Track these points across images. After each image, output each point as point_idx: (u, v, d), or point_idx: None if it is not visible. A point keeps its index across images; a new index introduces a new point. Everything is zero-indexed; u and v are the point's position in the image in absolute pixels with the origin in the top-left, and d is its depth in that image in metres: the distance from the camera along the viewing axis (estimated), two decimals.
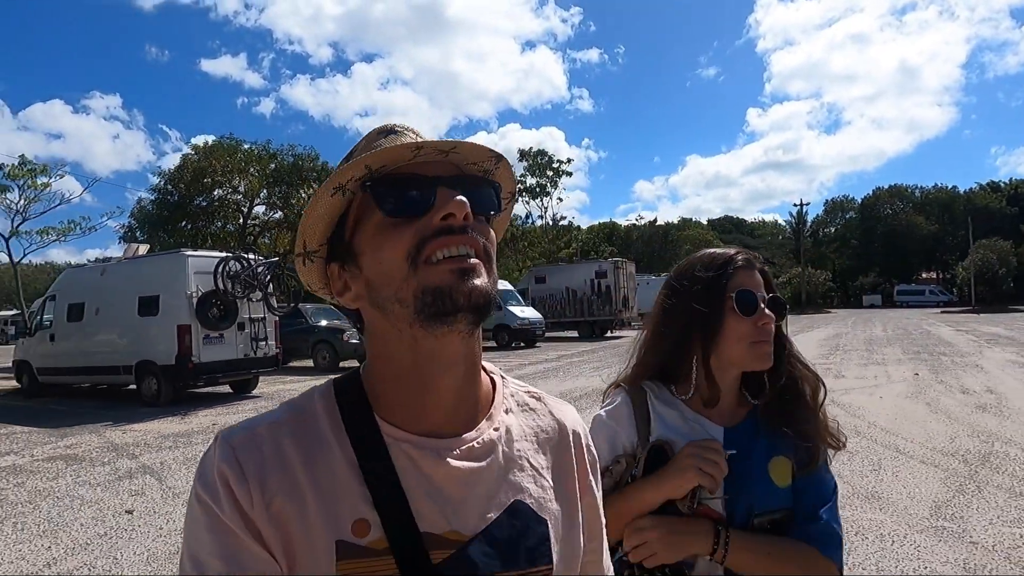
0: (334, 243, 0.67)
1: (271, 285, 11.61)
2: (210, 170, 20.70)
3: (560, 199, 44.85)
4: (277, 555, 0.60)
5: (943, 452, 5.85)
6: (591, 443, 0.80)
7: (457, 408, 0.66)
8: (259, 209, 23.96)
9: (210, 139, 21.50)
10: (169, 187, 21.66)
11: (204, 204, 21.92)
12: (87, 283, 11.80)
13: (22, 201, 16.43)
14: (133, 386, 11.28)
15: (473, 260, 0.61)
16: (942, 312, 40.82)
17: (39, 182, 16.33)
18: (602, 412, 1.22)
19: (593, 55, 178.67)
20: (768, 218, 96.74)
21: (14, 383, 13.47)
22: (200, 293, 10.43)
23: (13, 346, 14.26)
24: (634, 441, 1.17)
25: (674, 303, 1.21)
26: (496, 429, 0.69)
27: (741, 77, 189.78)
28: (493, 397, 0.72)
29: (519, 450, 0.70)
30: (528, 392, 0.77)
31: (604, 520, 0.80)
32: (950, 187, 76.50)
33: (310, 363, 15.57)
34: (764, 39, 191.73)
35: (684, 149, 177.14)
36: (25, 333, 12.62)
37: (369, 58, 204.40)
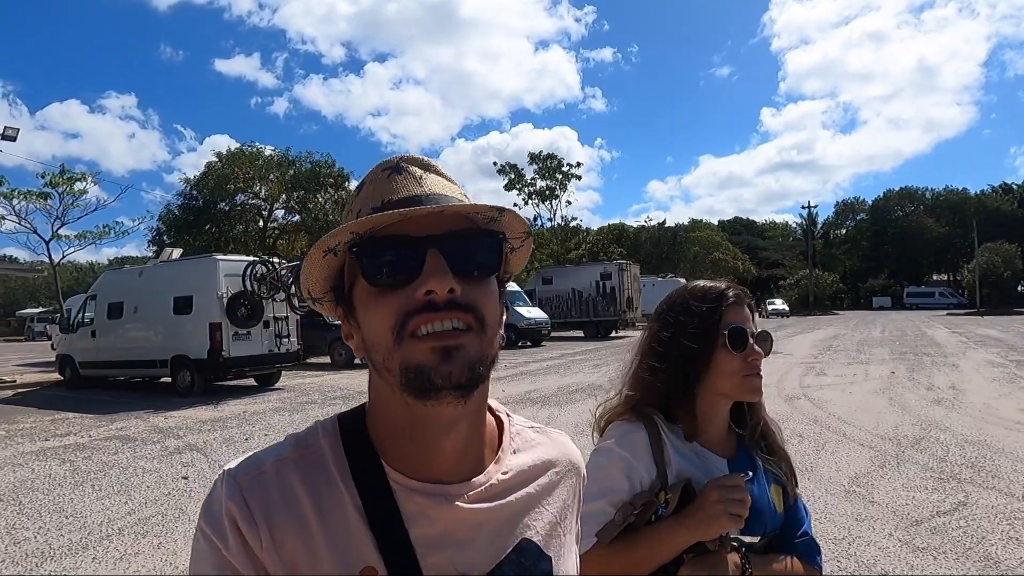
0: (339, 289, 0.67)
1: (293, 287, 12.61)
2: (233, 176, 21.94)
3: (569, 202, 45.60)
4: None
5: (882, 437, 6.71)
6: (585, 473, 0.81)
7: (464, 455, 0.66)
8: (279, 213, 25.25)
9: (233, 146, 22.83)
10: (194, 192, 22.98)
11: (227, 208, 23.16)
12: (126, 284, 12.89)
13: (61, 207, 17.68)
14: (167, 379, 12.33)
15: (458, 337, 0.59)
16: (947, 315, 41.22)
17: (76, 188, 17.56)
18: (613, 443, 1.20)
19: (607, 54, 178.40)
20: (780, 219, 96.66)
21: (56, 376, 14.58)
22: (230, 294, 11.45)
23: (38, 343, 15.34)
24: (653, 474, 1.15)
25: (669, 336, 1.23)
26: (504, 472, 0.69)
27: (755, 76, 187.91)
28: (500, 439, 0.72)
29: (526, 489, 0.70)
30: (532, 427, 0.78)
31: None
32: (961, 189, 76.39)
33: (327, 360, 16.59)
34: (779, 38, 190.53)
35: (697, 149, 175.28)
36: (68, 329, 13.70)
37: (382, 57, 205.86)
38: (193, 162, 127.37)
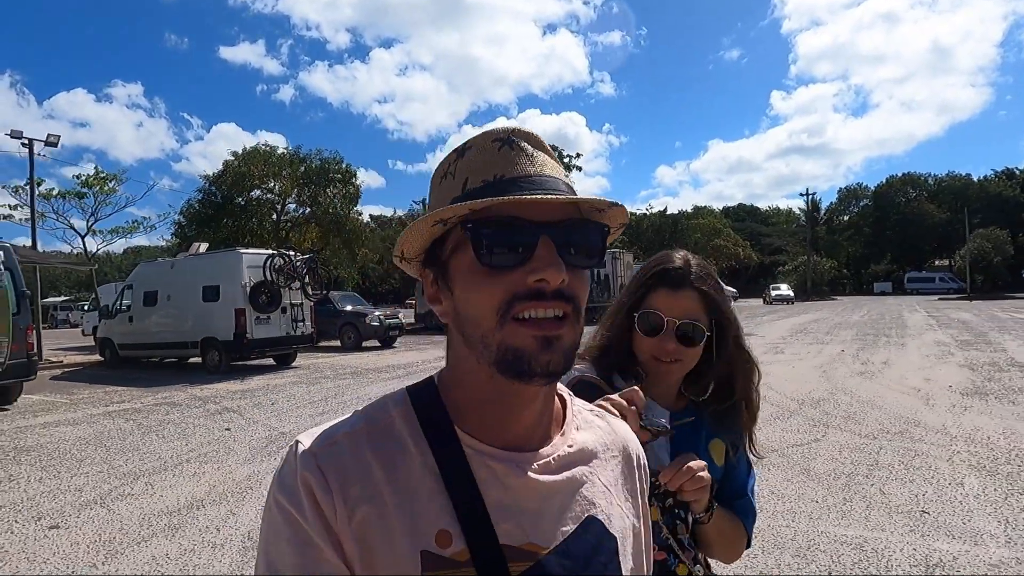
0: (431, 253, 0.67)
1: (307, 276, 14.15)
2: (248, 174, 23.57)
3: None
4: (357, 567, 0.60)
5: (792, 398, 8.18)
6: (645, 461, 0.81)
7: (536, 426, 0.68)
8: (291, 207, 26.88)
9: (240, 134, 24.70)
10: (213, 188, 24.64)
11: (243, 203, 24.82)
12: (159, 274, 14.49)
13: (95, 204, 19.33)
14: (196, 359, 13.93)
15: (559, 327, 0.60)
16: (939, 299, 42.37)
17: (107, 188, 19.20)
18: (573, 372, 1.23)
19: (615, 38, 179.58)
20: (787, 205, 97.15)
21: (96, 357, 16.25)
22: (252, 283, 12.99)
23: (62, 330, 16.85)
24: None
25: (620, 299, 1.31)
26: (570, 445, 0.70)
27: (765, 59, 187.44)
28: (564, 414, 0.74)
29: (590, 466, 0.71)
30: (591, 411, 0.79)
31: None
32: (964, 174, 76.92)
33: (337, 343, 18.18)
34: (789, 20, 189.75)
35: (706, 134, 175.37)
36: (108, 315, 15.33)
37: (387, 43, 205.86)
38: (200, 150, 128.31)
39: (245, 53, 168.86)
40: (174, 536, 4.16)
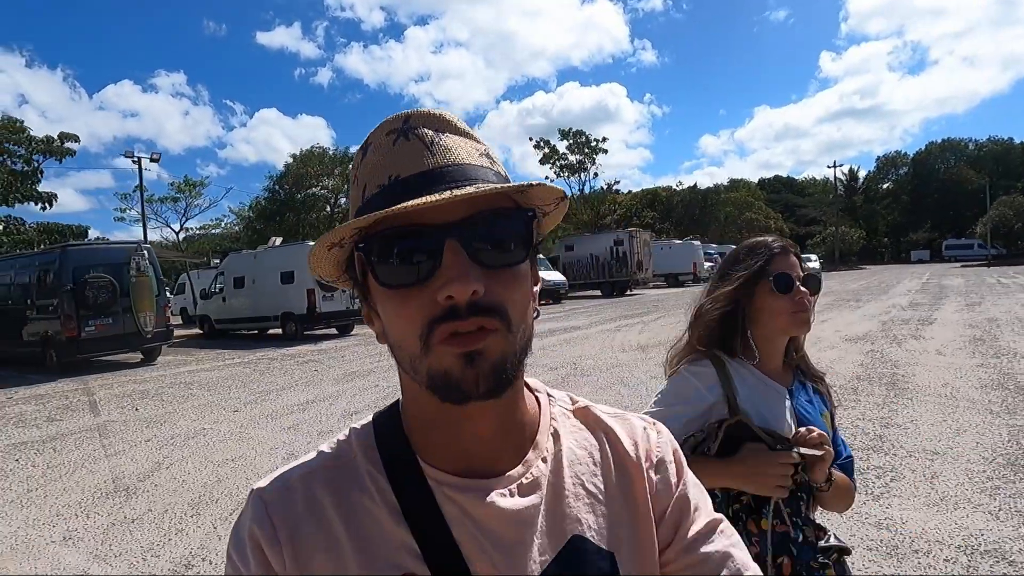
0: (352, 274, 0.62)
1: None
2: (306, 174, 27.31)
3: (597, 174, 49.33)
4: None
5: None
6: (662, 440, 0.71)
7: (502, 443, 0.62)
8: (342, 201, 30.53)
9: (304, 148, 28.22)
10: (276, 187, 28.54)
11: (302, 200, 28.62)
12: (245, 263, 18.17)
13: (186, 206, 23.38)
14: (276, 330, 17.56)
15: (481, 339, 0.54)
16: (961, 266, 43.46)
17: (195, 192, 23.18)
18: (684, 371, 1.41)
19: (656, 2, 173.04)
20: (822, 175, 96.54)
21: (197, 330, 20.16)
22: None
23: None
24: (721, 400, 1.35)
25: (725, 286, 1.45)
26: (544, 460, 0.64)
27: (814, 19, 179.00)
28: (539, 421, 0.66)
29: (573, 476, 0.64)
30: (574, 406, 0.71)
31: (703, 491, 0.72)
32: (1006, 139, 75.68)
33: None
34: None
35: (751, 100, 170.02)
36: (205, 297, 19.13)
37: (422, 20, 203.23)
38: (244, 136, 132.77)
39: (281, 37, 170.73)
40: (304, 413, 7.51)
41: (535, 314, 0.61)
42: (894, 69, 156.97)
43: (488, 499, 0.59)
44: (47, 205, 21.50)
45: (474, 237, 0.55)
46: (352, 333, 17.78)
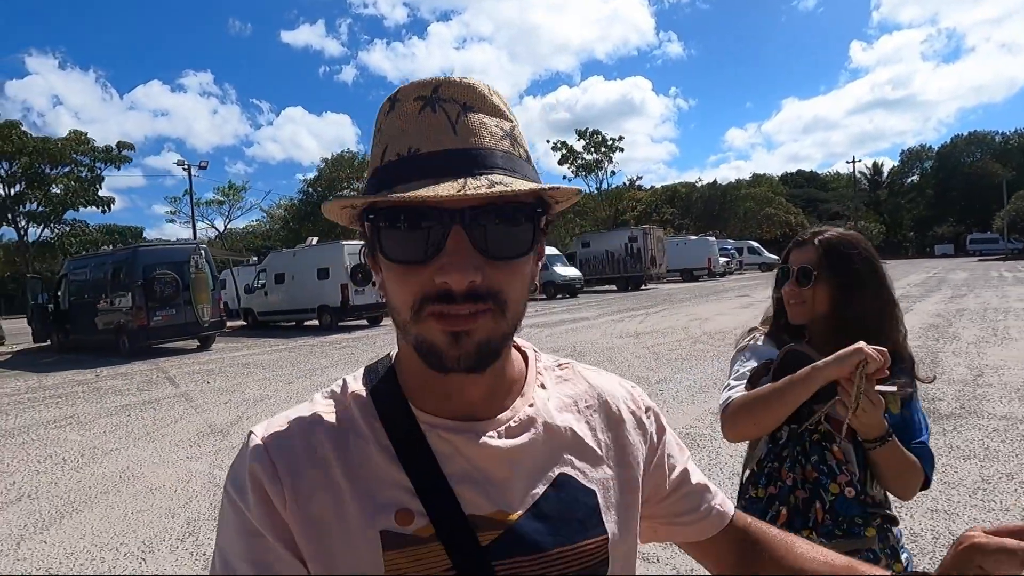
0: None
1: None
2: (337, 177, 29.32)
3: (613, 172, 50.49)
4: (313, 553, 0.59)
5: (709, 334, 12.53)
6: (641, 397, 0.79)
7: (491, 393, 0.66)
8: None
9: (335, 152, 30.29)
10: (310, 190, 30.63)
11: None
12: (285, 260, 20.07)
13: (230, 209, 25.53)
14: (312, 322, 19.37)
15: (472, 320, 0.56)
16: (979, 260, 43.80)
17: (238, 195, 25.31)
18: (746, 343, 1.56)
19: None
20: (846, 170, 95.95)
21: (241, 322, 22.13)
22: (351, 265, 18.21)
23: None
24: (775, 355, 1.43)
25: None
26: (531, 405, 0.68)
27: (843, 7, 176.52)
28: (526, 373, 0.71)
29: (559, 422, 0.69)
30: (559, 364, 0.77)
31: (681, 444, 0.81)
32: None
33: None
34: None
35: (779, 92, 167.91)
36: (249, 291, 21.07)
37: (445, 16, 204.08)
38: (271, 135, 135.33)
39: (306, 35, 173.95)
40: None
41: (534, 289, 0.64)
42: (928, 58, 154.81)
43: (480, 440, 0.63)
44: (106, 208, 23.72)
45: (481, 226, 0.56)
46: (382, 324, 19.52)
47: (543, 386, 0.72)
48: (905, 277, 27.91)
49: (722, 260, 38.64)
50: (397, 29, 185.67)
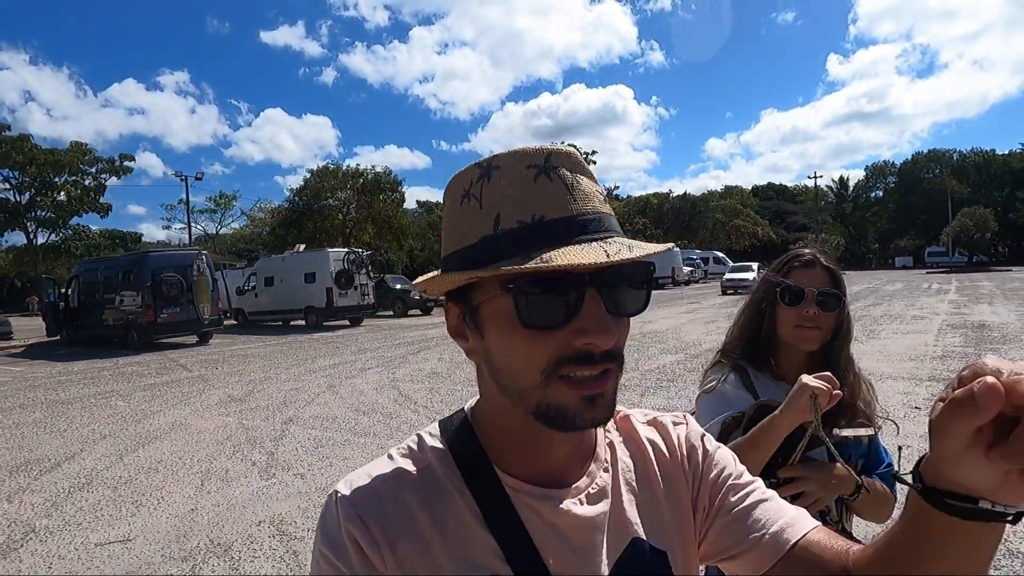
0: (459, 296, 0.64)
1: (369, 265, 21.25)
2: (322, 187, 31.24)
3: None
4: None
5: (678, 340, 14.68)
6: (691, 431, 0.78)
7: (575, 453, 0.68)
8: (352, 211, 34.48)
9: (320, 160, 32.03)
10: (296, 199, 32.50)
11: (319, 210, 32.56)
12: (274, 265, 21.99)
13: (221, 216, 27.35)
14: (299, 321, 21.27)
15: (605, 382, 0.59)
16: (928, 272, 46.74)
17: (230, 204, 27.16)
18: (712, 384, 1.46)
19: (665, 2, 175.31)
20: (813, 183, 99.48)
21: (232, 321, 23.91)
22: (335, 270, 20.17)
23: None
24: (747, 398, 1.39)
25: (753, 295, 1.52)
26: (606, 470, 0.70)
27: (822, 21, 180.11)
28: (596, 434, 0.72)
29: (628, 484, 0.70)
30: (622, 417, 0.77)
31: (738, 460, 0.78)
32: (988, 150, 78.95)
33: (391, 312, 25.36)
34: None
35: (759, 103, 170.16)
36: (241, 293, 22.90)
37: (427, 20, 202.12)
38: (249, 135, 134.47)
39: (285, 36, 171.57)
40: (333, 369, 11.13)
41: None
42: (903, 72, 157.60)
43: (563, 507, 0.65)
44: (105, 214, 25.45)
45: (611, 287, 0.58)
46: (362, 324, 21.49)
47: (612, 444, 0.73)
48: (849, 287, 30.41)
49: (687, 269, 40.93)
50: (378, 32, 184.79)
